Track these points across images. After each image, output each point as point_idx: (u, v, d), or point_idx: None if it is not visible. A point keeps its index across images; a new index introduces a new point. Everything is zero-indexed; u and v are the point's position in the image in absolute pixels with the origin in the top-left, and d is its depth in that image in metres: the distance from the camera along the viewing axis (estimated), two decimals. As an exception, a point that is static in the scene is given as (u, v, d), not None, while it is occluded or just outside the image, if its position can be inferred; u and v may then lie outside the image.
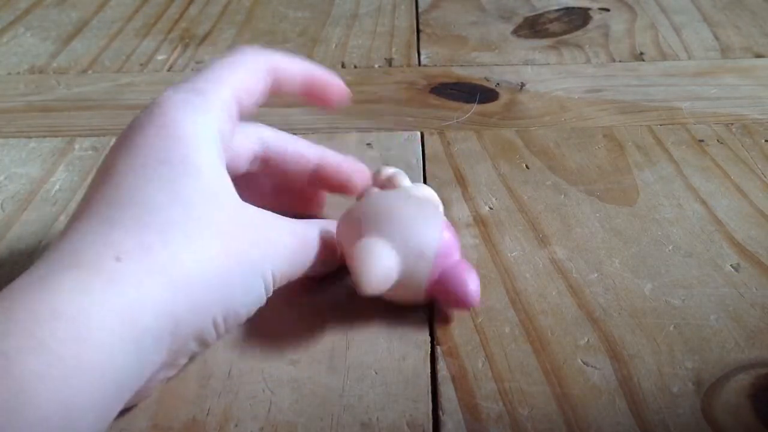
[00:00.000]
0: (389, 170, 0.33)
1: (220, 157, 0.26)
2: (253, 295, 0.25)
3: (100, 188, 0.24)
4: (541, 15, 0.61)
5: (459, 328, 0.30)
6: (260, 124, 0.32)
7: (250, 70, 0.28)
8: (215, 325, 0.24)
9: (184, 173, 0.24)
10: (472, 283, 0.29)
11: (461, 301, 0.29)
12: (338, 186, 0.33)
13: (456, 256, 0.29)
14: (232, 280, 0.24)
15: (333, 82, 0.31)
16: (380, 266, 0.27)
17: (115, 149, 0.25)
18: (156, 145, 0.24)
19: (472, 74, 0.51)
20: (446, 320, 0.30)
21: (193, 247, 0.23)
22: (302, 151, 0.32)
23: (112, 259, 0.21)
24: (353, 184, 0.33)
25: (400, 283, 0.28)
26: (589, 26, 0.59)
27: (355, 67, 0.53)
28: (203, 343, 0.24)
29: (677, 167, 0.40)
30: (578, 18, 0.60)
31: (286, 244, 0.27)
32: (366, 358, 0.29)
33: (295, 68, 0.31)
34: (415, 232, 0.28)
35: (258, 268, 0.25)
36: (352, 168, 0.33)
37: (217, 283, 0.23)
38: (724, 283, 0.32)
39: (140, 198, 0.23)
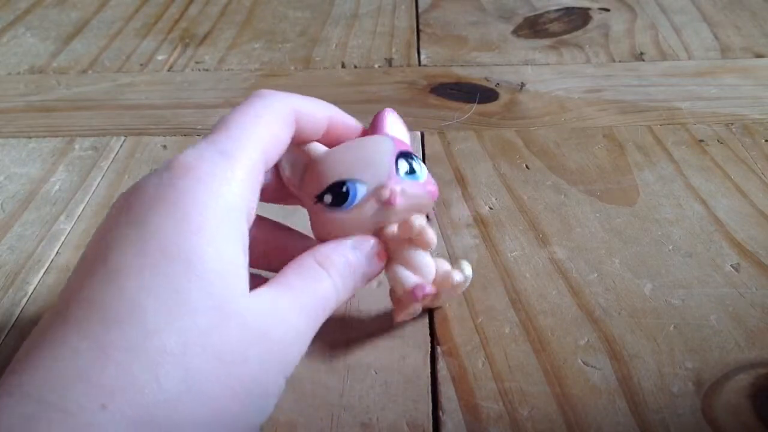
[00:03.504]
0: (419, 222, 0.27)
1: (241, 240, 0.23)
2: (265, 412, 0.22)
3: (95, 280, 0.21)
4: (541, 15, 0.61)
5: (459, 328, 0.30)
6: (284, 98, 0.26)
7: (275, 121, 0.25)
8: None
9: (189, 275, 0.21)
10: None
11: None
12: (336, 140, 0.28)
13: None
14: (238, 411, 0.21)
15: (352, 125, 0.28)
16: None
17: (118, 217, 0.22)
18: (164, 233, 0.21)
19: (472, 74, 0.51)
20: (446, 320, 0.30)
21: (191, 382, 0.20)
22: (315, 114, 0.27)
23: (98, 407, 0.19)
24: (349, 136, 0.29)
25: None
26: (589, 26, 0.59)
27: (355, 67, 0.53)
28: None
29: (677, 167, 0.40)
30: (578, 18, 0.60)
31: (302, 339, 0.24)
32: (366, 358, 0.29)
33: (319, 113, 0.27)
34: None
35: (268, 383, 0.22)
36: (357, 127, 0.29)
37: (221, 420, 0.20)
38: (724, 283, 0.32)
39: (136, 314, 0.20)
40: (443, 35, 0.58)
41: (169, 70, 0.53)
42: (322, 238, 0.26)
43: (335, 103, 0.28)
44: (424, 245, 0.26)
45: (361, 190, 0.25)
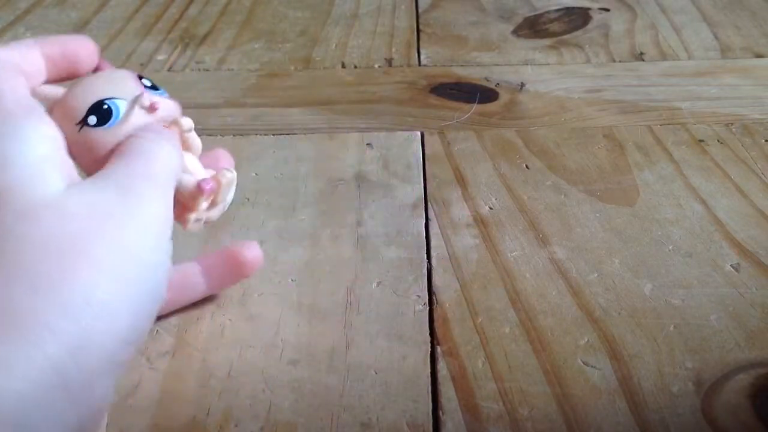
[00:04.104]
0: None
1: (40, 138, 0.23)
2: (153, 278, 0.22)
3: None
4: (541, 15, 0.61)
5: (459, 328, 0.30)
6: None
7: (9, 76, 0.24)
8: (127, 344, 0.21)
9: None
10: None
11: None
12: (67, 70, 0.27)
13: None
14: (112, 282, 0.21)
15: (80, 47, 0.27)
16: None
17: None
18: None
19: (472, 74, 0.51)
20: (446, 320, 0.30)
21: (30, 283, 0.20)
22: (31, 56, 0.26)
23: None
24: (82, 61, 0.27)
25: None
26: (589, 26, 0.59)
27: (355, 67, 0.53)
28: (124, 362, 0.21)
29: (677, 167, 0.40)
30: (578, 18, 0.60)
31: (147, 198, 0.23)
32: (366, 358, 0.29)
33: (33, 54, 0.25)
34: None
35: (137, 246, 0.22)
36: (78, 43, 0.27)
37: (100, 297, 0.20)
38: (724, 283, 0.32)
39: None
40: (443, 35, 0.58)
41: (169, 71, 0.53)
42: (95, 163, 0.26)
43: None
44: (192, 147, 0.27)
45: (121, 105, 0.26)
